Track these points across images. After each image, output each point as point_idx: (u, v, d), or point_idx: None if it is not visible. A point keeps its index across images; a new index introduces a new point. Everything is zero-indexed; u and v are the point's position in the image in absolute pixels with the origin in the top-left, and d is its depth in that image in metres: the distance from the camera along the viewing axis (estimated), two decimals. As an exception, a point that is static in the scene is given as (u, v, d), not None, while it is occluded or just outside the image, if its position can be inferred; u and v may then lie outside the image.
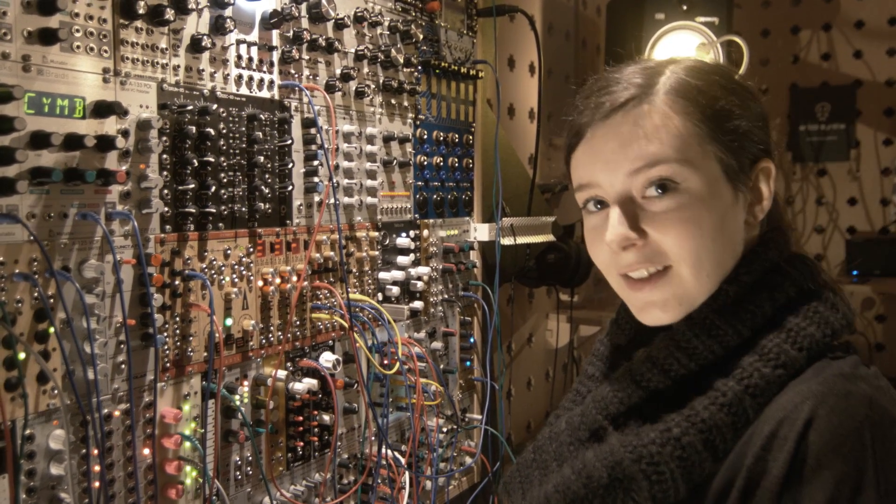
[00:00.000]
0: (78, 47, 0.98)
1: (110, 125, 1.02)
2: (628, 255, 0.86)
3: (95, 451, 0.99)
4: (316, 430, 1.36)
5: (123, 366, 1.04)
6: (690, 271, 0.85)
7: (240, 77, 1.21)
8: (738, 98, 0.87)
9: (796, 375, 0.82)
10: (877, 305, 3.23)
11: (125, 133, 1.03)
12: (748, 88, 0.90)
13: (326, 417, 1.36)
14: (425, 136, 1.65)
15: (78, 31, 0.98)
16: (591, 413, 0.89)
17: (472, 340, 1.80)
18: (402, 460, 1.48)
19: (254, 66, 1.23)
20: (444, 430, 1.68)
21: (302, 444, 1.33)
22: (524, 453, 0.98)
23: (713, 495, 0.81)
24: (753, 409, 0.81)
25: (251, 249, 1.23)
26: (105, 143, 0.99)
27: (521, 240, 1.91)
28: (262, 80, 1.24)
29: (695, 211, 0.84)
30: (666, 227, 0.84)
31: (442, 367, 1.72)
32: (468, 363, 1.81)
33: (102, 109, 1.00)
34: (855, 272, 3.11)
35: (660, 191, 0.84)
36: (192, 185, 1.12)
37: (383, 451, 1.42)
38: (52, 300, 0.95)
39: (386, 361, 1.45)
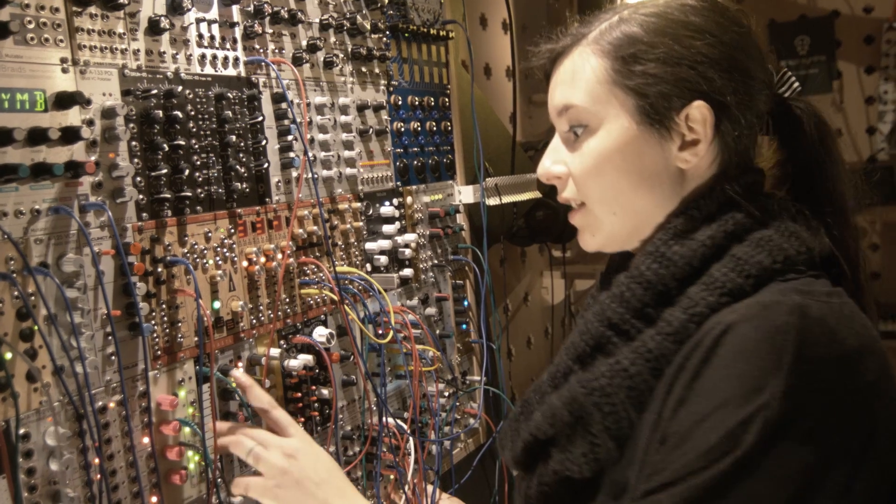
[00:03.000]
0: (32, 39, 0.96)
1: (74, 116, 1.00)
2: (557, 186, 0.97)
3: (96, 444, 0.99)
4: (316, 405, 1.37)
5: (114, 357, 1.03)
6: (598, 208, 0.94)
7: (203, 57, 1.19)
8: (674, 40, 0.88)
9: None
10: (870, 235, 3.24)
11: (90, 123, 1.02)
12: (702, 29, 0.89)
13: (325, 392, 1.37)
14: (400, 102, 1.63)
15: (30, 22, 0.96)
16: (564, 359, 0.93)
17: (465, 303, 1.79)
18: (405, 427, 1.48)
19: (216, 45, 1.21)
20: (446, 394, 1.69)
21: (303, 419, 1.34)
22: (514, 407, 1.00)
23: (650, 408, 0.83)
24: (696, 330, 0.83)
25: (232, 230, 1.22)
26: (70, 134, 0.98)
27: (507, 199, 1.90)
28: (226, 58, 1.22)
29: (600, 154, 0.91)
30: (576, 166, 0.94)
31: (438, 332, 1.72)
32: (464, 326, 1.81)
33: (64, 100, 0.98)
34: (845, 203, 3.11)
35: (575, 131, 0.93)
36: (164, 171, 1.10)
37: (385, 419, 1.43)
38: (32, 297, 0.95)
39: (380, 331, 1.45)
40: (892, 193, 3.07)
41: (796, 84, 0.96)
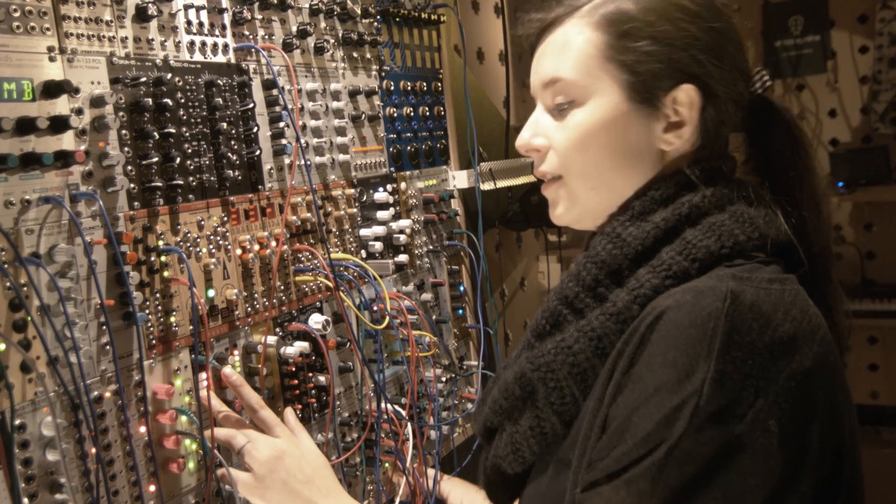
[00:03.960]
0: (18, 28, 0.95)
1: (62, 105, 0.99)
2: (535, 159, 0.97)
3: (93, 434, 0.99)
4: (313, 391, 1.37)
5: (108, 347, 1.03)
6: (576, 183, 0.94)
7: (192, 43, 1.18)
8: (668, 20, 0.88)
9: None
10: (865, 215, 3.24)
11: (79, 112, 1.01)
12: (695, 13, 0.89)
13: (322, 378, 1.36)
14: (392, 88, 1.62)
15: (16, 10, 0.95)
16: (528, 335, 0.95)
17: (461, 288, 1.79)
18: (403, 413, 1.48)
19: (205, 31, 1.20)
20: (443, 379, 1.69)
21: (300, 406, 1.34)
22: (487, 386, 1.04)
23: (593, 391, 0.84)
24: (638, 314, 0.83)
25: (225, 218, 1.22)
26: (59, 123, 0.97)
27: (502, 183, 1.90)
28: (215, 45, 1.21)
29: (587, 129, 0.91)
30: (559, 140, 0.93)
31: (434, 317, 1.72)
32: (460, 311, 1.81)
33: (52, 89, 0.97)
34: (840, 183, 3.11)
35: (561, 105, 0.92)
36: (155, 159, 1.09)
37: (383, 405, 1.43)
38: (25, 288, 0.94)
39: (376, 317, 1.45)
40: (886, 173, 3.07)
41: (769, 81, 0.97)
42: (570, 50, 0.91)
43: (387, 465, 1.49)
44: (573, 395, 0.86)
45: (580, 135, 0.91)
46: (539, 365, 0.88)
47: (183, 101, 1.15)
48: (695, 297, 0.77)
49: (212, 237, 1.19)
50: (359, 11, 1.47)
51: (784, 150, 0.95)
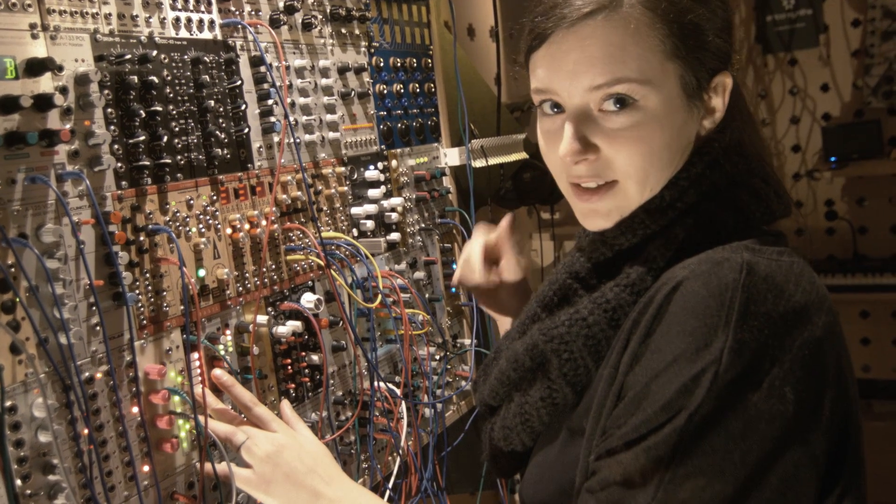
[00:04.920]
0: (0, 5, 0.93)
1: (46, 83, 0.98)
2: (580, 167, 0.88)
3: (85, 414, 0.99)
4: (306, 370, 1.36)
5: (98, 328, 1.02)
6: (636, 187, 0.87)
7: (177, 20, 1.16)
8: (708, 7, 0.86)
9: None
10: (857, 189, 3.25)
11: (63, 90, 0.99)
12: None
13: (315, 357, 1.36)
14: (382, 64, 1.60)
15: (-4, -14, 0.93)
16: (533, 306, 0.96)
17: (454, 266, 1.79)
18: (398, 391, 1.49)
19: (191, 7, 1.18)
20: (437, 357, 1.69)
21: (294, 385, 1.33)
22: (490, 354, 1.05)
23: (606, 360, 0.85)
24: (652, 284, 0.84)
25: (215, 197, 1.21)
26: (43, 102, 0.95)
27: (494, 160, 1.89)
28: (201, 21, 1.20)
29: (649, 130, 0.84)
30: (618, 144, 0.85)
31: (427, 295, 1.72)
32: (453, 290, 1.81)
33: (35, 67, 0.96)
34: (833, 158, 3.11)
35: (617, 106, 0.84)
36: (142, 137, 1.08)
37: (376, 384, 1.43)
38: (13, 269, 0.93)
39: (369, 296, 1.45)
40: (878, 147, 3.07)
41: None
42: (626, 43, 0.82)
43: (376, 440, 1.50)
44: (586, 366, 0.87)
45: (642, 137, 0.84)
46: (552, 336, 0.89)
47: (169, 78, 1.14)
48: (711, 267, 0.78)
49: (201, 216, 1.18)
50: (347, -13, 1.45)
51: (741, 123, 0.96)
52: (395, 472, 1.48)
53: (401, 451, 1.47)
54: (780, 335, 0.75)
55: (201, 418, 1.10)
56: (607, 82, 0.83)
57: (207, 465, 1.12)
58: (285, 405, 1.23)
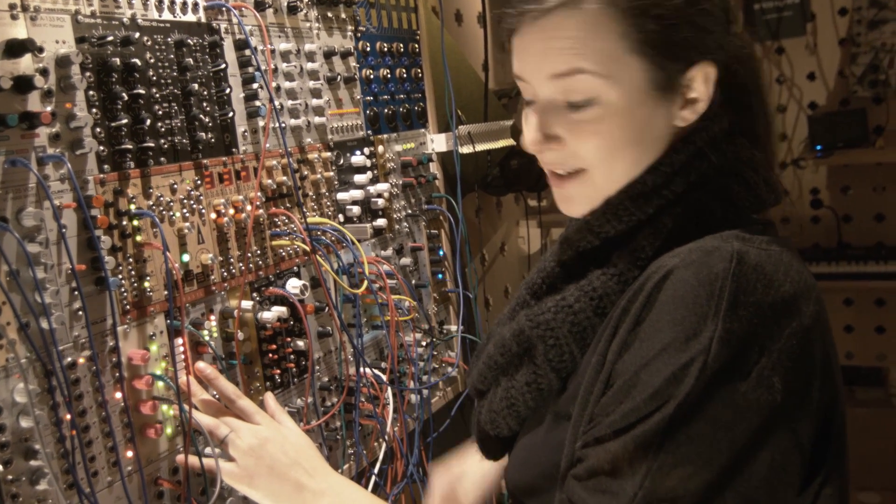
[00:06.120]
0: (-23, -17, 0.92)
1: (26, 65, 0.96)
2: (547, 155, 0.90)
3: (67, 400, 0.98)
4: (292, 356, 1.36)
5: (81, 312, 1.01)
6: (603, 177, 0.88)
7: (160, 2, 1.14)
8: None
9: None
10: (842, 178, 3.26)
11: (44, 72, 0.98)
12: None
13: (301, 343, 1.36)
14: (368, 49, 1.59)
15: (-26, -35, 0.92)
16: (522, 292, 0.96)
17: (441, 253, 1.79)
18: (384, 377, 1.48)
19: (174, -11, 1.16)
20: (423, 343, 1.69)
21: (279, 371, 1.33)
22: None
23: (593, 347, 0.85)
24: (640, 273, 0.84)
25: (199, 182, 1.20)
26: (23, 84, 0.94)
27: (481, 147, 1.88)
28: (185, 3, 1.18)
29: (609, 123, 0.85)
30: (582, 136, 0.86)
31: (414, 282, 1.72)
32: (440, 276, 1.81)
33: (15, 48, 0.94)
34: (818, 147, 3.12)
35: (579, 100, 0.85)
36: (125, 121, 1.07)
37: (362, 370, 1.43)
38: (-7, 253, 0.92)
39: (355, 282, 1.44)
40: (864, 136, 3.08)
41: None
42: (586, 37, 0.83)
43: (368, 428, 1.50)
44: (572, 352, 0.87)
45: (605, 130, 0.85)
46: (539, 323, 0.89)
47: (152, 61, 1.12)
48: (701, 256, 0.78)
49: (185, 201, 1.17)
50: (333, -30, 1.44)
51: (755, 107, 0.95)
52: (380, 457, 1.48)
53: (387, 437, 1.47)
54: (769, 325, 0.75)
55: (186, 406, 1.10)
56: (566, 72, 0.84)
57: (192, 459, 1.11)
58: (269, 397, 1.22)
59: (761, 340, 0.75)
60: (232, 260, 1.25)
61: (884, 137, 3.08)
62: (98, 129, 1.05)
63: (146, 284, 1.11)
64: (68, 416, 0.98)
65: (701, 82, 0.87)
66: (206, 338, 1.19)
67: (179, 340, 1.14)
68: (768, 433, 0.75)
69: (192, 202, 1.18)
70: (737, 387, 0.74)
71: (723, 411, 0.74)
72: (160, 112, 1.14)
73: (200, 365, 1.17)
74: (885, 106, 3.12)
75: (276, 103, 1.34)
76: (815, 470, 0.81)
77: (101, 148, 1.05)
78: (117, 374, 1.06)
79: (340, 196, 1.49)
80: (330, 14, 1.49)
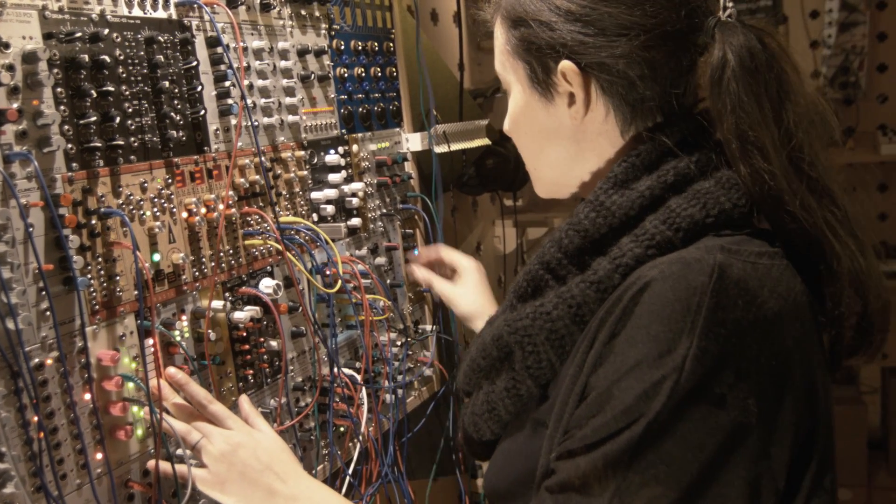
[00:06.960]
0: (-60, -23, 0.90)
1: (-8, 60, 0.95)
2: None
3: (34, 402, 0.96)
4: (265, 357, 1.35)
5: (48, 313, 1.00)
6: (530, 163, 1.03)
7: (130, -2, 1.13)
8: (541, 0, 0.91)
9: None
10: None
11: (10, 68, 0.96)
12: None
13: (274, 343, 1.35)
14: (342, 47, 1.58)
15: (-63, -41, 0.90)
16: (509, 296, 0.96)
17: (416, 252, 1.78)
18: (358, 377, 1.48)
19: (144, -15, 1.15)
20: (398, 343, 1.69)
21: (252, 372, 1.32)
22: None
23: (571, 357, 0.85)
24: (621, 282, 0.83)
25: (170, 180, 1.18)
26: (-12, 80, 0.93)
27: (456, 146, 1.88)
28: (155, 0, 1.17)
29: (512, 116, 1.01)
30: (510, 127, 1.03)
31: (388, 281, 1.71)
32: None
33: (-20, 44, 0.93)
34: (790, 147, 3.15)
35: (509, 97, 1.01)
36: (94, 118, 1.05)
37: (336, 370, 1.42)
38: (-43, 252, 0.90)
39: (328, 281, 1.43)
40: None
41: (731, 7, 0.91)
42: (499, 44, 0.98)
43: (342, 429, 1.49)
44: (549, 360, 0.86)
45: (510, 123, 1.02)
46: (517, 329, 0.88)
47: (122, 58, 1.11)
48: (681, 269, 0.75)
49: (156, 200, 1.16)
50: (307, -33, 1.43)
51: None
52: (355, 457, 1.47)
53: (361, 437, 1.47)
54: (748, 344, 0.74)
55: (157, 408, 1.08)
56: (499, 73, 1.01)
57: (163, 466, 1.10)
58: (244, 400, 1.21)
59: (738, 361, 0.73)
60: (204, 259, 1.24)
61: (854, 139, 3.13)
62: (66, 127, 1.03)
63: (116, 284, 1.09)
64: (36, 419, 0.97)
65: (570, 81, 0.90)
66: (178, 338, 1.18)
67: (150, 341, 1.13)
68: (740, 456, 0.73)
69: (162, 201, 1.17)
70: (709, 407, 0.72)
71: (694, 431, 0.72)
72: (130, 110, 1.12)
73: (171, 370, 1.15)
74: (856, 107, 3.17)
75: (249, 101, 1.33)
76: (793, 492, 0.79)
77: (70, 146, 1.03)
78: (86, 376, 1.04)
79: (314, 195, 1.48)
80: (304, 12, 1.48)
